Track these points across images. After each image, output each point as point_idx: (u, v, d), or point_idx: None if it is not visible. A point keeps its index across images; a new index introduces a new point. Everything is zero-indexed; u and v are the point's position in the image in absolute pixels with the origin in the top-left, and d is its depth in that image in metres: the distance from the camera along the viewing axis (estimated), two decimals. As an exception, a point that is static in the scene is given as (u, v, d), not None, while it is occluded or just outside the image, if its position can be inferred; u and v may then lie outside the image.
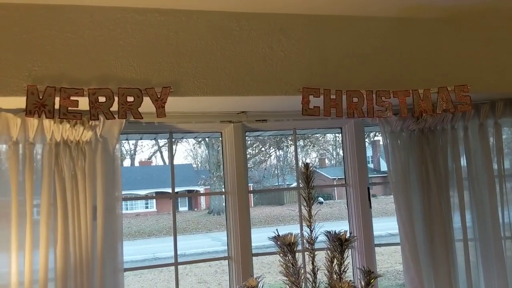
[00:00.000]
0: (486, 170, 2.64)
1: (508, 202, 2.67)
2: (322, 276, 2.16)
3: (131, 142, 22.51)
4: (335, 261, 2.12)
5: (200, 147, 23.10)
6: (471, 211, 2.66)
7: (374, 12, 2.37)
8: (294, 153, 3.09)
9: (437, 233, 2.56)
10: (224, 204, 3.84)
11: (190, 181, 20.57)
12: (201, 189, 20.63)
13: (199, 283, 9.92)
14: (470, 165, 2.67)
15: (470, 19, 2.51)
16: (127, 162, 23.40)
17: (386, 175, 2.86)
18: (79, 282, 2.10)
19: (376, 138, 23.49)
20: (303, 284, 2.10)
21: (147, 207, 21.05)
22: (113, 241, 2.19)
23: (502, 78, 2.51)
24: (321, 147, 25.07)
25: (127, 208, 19.60)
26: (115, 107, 2.00)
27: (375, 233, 2.81)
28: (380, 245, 2.99)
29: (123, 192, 2.28)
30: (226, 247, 2.73)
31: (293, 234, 2.10)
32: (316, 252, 2.18)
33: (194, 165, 23.87)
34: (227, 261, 2.68)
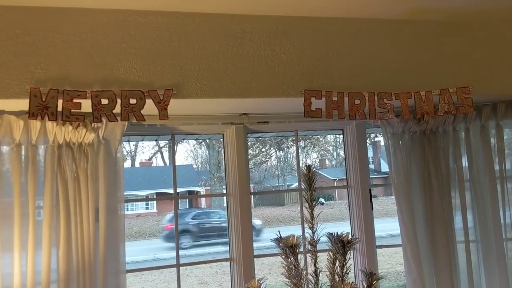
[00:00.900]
0: (488, 172, 2.65)
1: (509, 203, 2.67)
2: (324, 278, 2.16)
3: (132, 143, 22.47)
4: (337, 263, 2.13)
5: (200, 148, 23.08)
6: (472, 212, 2.67)
7: (376, 14, 2.38)
8: (294, 153, 3.09)
9: (439, 234, 2.56)
10: (225, 204, 3.84)
11: (190, 182, 20.54)
12: (202, 190, 20.62)
13: (200, 284, 9.92)
14: (472, 166, 2.67)
15: (471, 21, 2.51)
16: (128, 163, 23.38)
17: (387, 176, 2.86)
18: (82, 283, 2.10)
19: (376, 139, 23.49)
20: (305, 286, 2.11)
21: (147, 208, 21.03)
22: (115, 243, 2.20)
23: (503, 80, 2.51)
24: (322, 148, 25.03)
25: (127, 209, 19.59)
26: (117, 109, 2.00)
27: (376, 234, 2.81)
28: (381, 246, 2.99)
29: (124, 193, 2.28)
30: (227, 247, 2.73)
31: (296, 236, 2.10)
32: (318, 254, 2.18)
33: (195, 166, 23.84)
34: (227, 262, 2.68)
